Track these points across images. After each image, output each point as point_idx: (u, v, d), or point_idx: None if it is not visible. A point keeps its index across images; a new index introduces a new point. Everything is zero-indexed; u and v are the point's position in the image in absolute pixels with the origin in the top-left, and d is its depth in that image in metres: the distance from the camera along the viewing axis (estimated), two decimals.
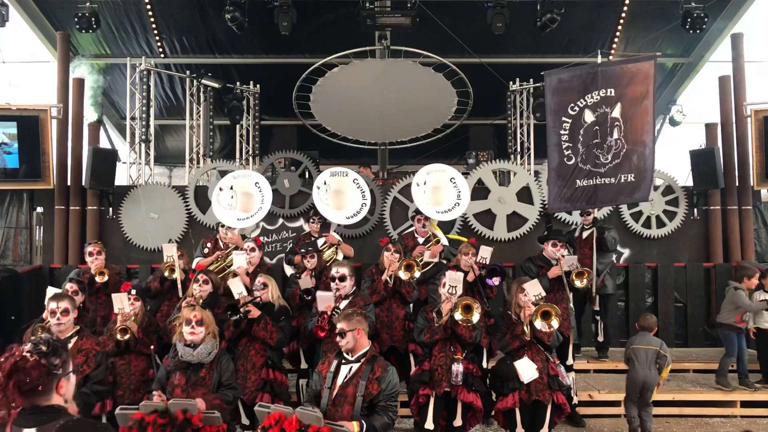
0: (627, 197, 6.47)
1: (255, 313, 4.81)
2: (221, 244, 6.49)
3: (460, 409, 4.65)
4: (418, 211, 6.65)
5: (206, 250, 6.51)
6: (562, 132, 6.23)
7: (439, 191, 6.61)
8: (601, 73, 6.25)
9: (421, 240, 6.58)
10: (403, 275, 5.45)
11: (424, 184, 6.54)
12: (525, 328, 4.63)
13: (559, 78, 6.30)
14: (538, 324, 4.47)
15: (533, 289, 4.65)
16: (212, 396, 4.01)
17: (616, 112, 6.19)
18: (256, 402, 4.43)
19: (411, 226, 7.41)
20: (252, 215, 6.40)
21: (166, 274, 5.67)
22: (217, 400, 3.99)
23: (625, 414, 5.64)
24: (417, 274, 5.49)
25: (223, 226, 6.44)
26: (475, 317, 4.51)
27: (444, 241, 6.58)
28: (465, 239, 8.14)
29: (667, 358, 5.42)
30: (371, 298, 5.52)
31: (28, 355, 1.97)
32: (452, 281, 4.68)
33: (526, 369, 4.56)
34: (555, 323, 4.47)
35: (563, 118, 6.23)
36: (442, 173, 6.66)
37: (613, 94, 6.19)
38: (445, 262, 6.33)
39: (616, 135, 6.20)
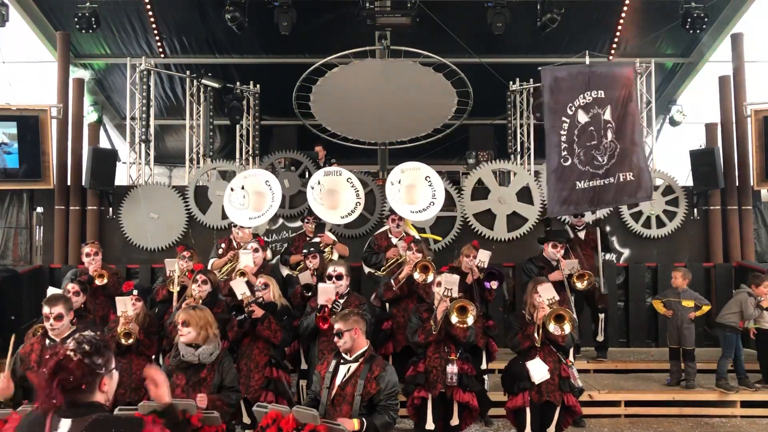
0: (630, 197, 6.46)
1: (258, 312, 4.83)
2: (234, 243, 6.50)
3: (456, 409, 4.64)
4: (392, 211, 6.59)
5: (220, 251, 6.51)
6: (562, 132, 6.22)
7: (413, 189, 6.57)
8: (591, 74, 6.28)
9: (395, 240, 6.50)
10: (417, 276, 5.38)
11: (399, 182, 6.49)
12: (536, 334, 4.57)
13: (555, 76, 6.30)
14: (552, 327, 4.46)
15: (547, 293, 4.61)
16: (215, 396, 4.01)
17: (608, 114, 6.21)
18: (260, 400, 4.44)
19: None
20: (263, 213, 6.43)
21: (170, 288, 5.71)
22: (219, 401, 3.99)
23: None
24: (431, 277, 5.30)
25: (235, 226, 6.46)
26: (470, 319, 4.50)
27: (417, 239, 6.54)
28: (440, 238, 8.18)
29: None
30: (385, 294, 5.54)
31: (71, 354, 1.99)
32: (448, 283, 4.66)
33: (538, 370, 4.54)
34: (567, 327, 4.44)
35: (563, 118, 6.23)
36: (417, 171, 6.61)
37: (603, 96, 6.23)
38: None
39: (610, 136, 6.21)
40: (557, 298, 4.65)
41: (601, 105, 6.21)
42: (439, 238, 8.28)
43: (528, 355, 4.64)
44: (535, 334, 4.57)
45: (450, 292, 4.63)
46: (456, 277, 4.77)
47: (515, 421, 4.78)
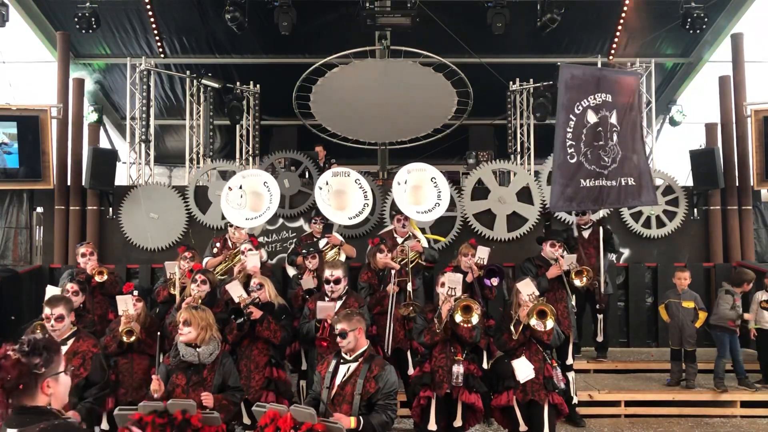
0: (634, 199, 6.47)
1: (257, 313, 4.82)
2: (230, 243, 6.50)
3: (460, 410, 4.65)
4: (398, 211, 6.61)
5: (215, 250, 6.51)
6: (568, 129, 6.24)
7: (419, 190, 6.60)
8: (601, 77, 6.33)
9: (400, 239, 6.49)
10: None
11: (405, 183, 6.52)
12: (512, 329, 4.60)
13: (572, 73, 6.33)
14: (533, 322, 4.47)
15: (526, 288, 4.64)
16: (221, 395, 4.02)
17: (614, 119, 6.28)
18: (261, 401, 4.44)
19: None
20: (261, 214, 6.42)
21: (171, 291, 5.72)
22: (225, 400, 4.01)
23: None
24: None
25: (231, 225, 6.46)
26: (475, 318, 4.51)
27: (424, 242, 6.53)
28: (442, 239, 8.21)
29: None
30: (375, 308, 5.56)
31: (10, 353, 1.98)
32: (451, 282, 4.67)
33: (523, 369, 4.55)
34: (550, 323, 4.46)
35: (570, 116, 6.25)
36: (422, 172, 6.64)
37: (610, 99, 6.29)
38: (424, 263, 6.31)
39: (615, 139, 6.27)
40: (537, 293, 4.66)
41: (609, 108, 6.29)
42: (442, 239, 8.29)
43: (514, 354, 4.66)
44: (512, 327, 4.61)
45: (454, 291, 4.63)
46: (459, 276, 4.78)
47: (502, 420, 4.81)
